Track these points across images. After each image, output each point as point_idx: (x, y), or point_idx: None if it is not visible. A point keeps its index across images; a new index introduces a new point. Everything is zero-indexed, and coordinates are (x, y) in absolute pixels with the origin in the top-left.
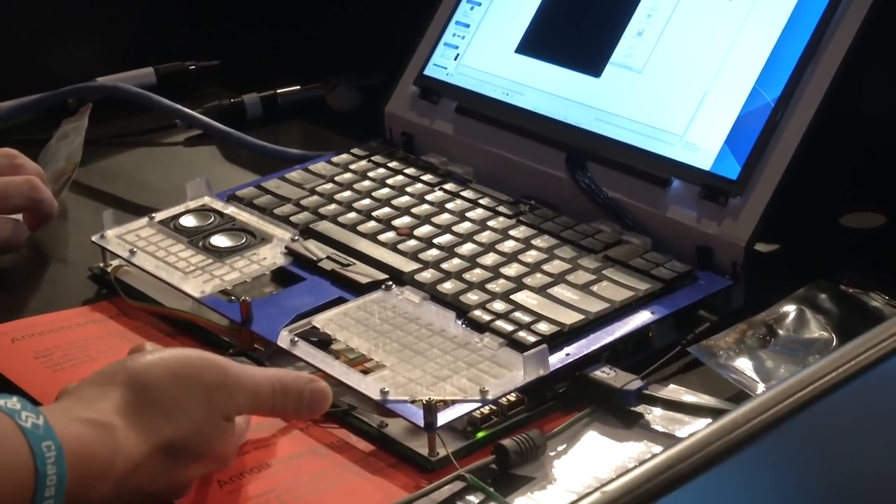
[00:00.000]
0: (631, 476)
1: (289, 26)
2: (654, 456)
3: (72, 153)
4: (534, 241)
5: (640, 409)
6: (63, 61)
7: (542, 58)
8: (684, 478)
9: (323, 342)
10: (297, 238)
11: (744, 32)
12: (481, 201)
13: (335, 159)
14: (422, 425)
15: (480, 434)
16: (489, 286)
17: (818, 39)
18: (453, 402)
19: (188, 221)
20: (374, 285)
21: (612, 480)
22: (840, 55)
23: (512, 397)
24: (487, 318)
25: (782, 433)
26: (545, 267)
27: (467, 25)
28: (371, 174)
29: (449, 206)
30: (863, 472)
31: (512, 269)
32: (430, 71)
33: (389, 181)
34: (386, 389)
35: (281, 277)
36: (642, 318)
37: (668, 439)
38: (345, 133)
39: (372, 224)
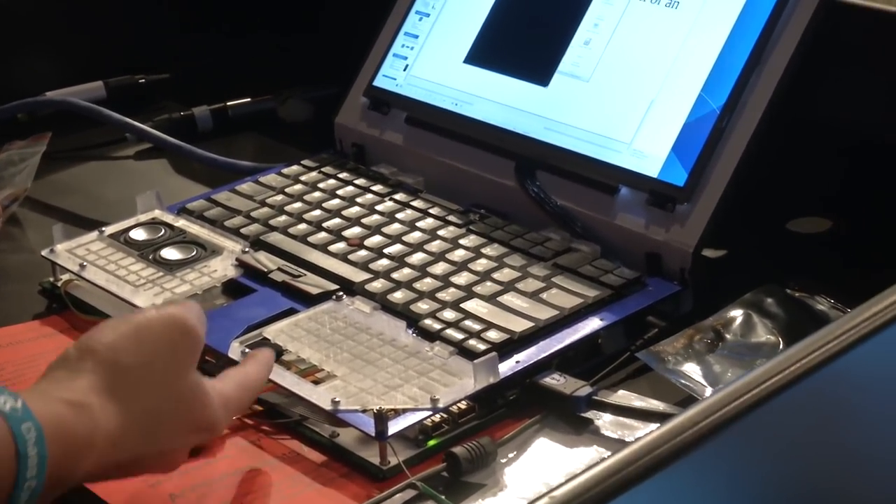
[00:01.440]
0: (579, 481)
1: (240, 39)
2: (602, 460)
3: (25, 178)
4: (484, 250)
5: (590, 414)
6: (12, 76)
7: (491, 68)
8: (632, 482)
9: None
10: (247, 250)
11: (689, 41)
12: (431, 211)
13: (286, 171)
14: (373, 434)
15: (432, 442)
16: (439, 295)
17: (762, 47)
18: (404, 410)
19: (138, 235)
20: (324, 296)
21: (560, 485)
22: (784, 62)
23: (463, 405)
24: (438, 326)
25: (729, 436)
26: (495, 275)
27: (416, 36)
28: (321, 185)
29: (399, 215)
30: (809, 473)
31: (462, 278)
32: (379, 82)
33: (340, 192)
34: (337, 399)
35: (232, 289)
36: (592, 324)
37: (618, 445)
38: (296, 145)
39: (322, 235)
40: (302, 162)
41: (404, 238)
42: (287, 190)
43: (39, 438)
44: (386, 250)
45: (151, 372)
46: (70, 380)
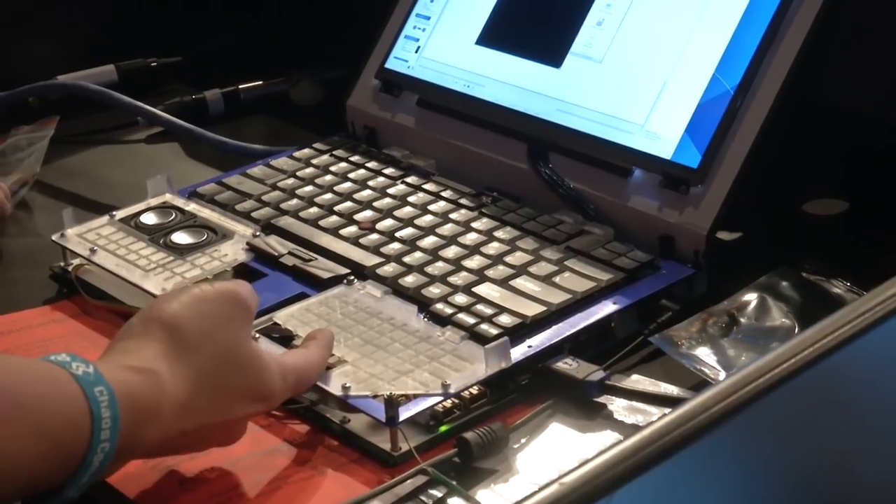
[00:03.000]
0: (589, 467)
1: (251, 21)
2: (612, 446)
3: (33, 162)
4: (496, 233)
5: (602, 399)
6: (23, 59)
7: (503, 49)
8: (643, 467)
9: (284, 338)
10: (258, 234)
11: (703, 20)
12: (443, 194)
13: (297, 154)
14: (384, 420)
15: (443, 428)
16: (451, 279)
17: (776, 27)
18: (415, 396)
19: (149, 219)
20: (335, 280)
21: (570, 471)
22: (798, 42)
23: (474, 390)
24: (449, 311)
25: (742, 421)
26: (507, 259)
27: (427, 18)
28: (333, 168)
29: (411, 199)
30: (823, 458)
31: (474, 262)
32: (391, 64)
33: (351, 175)
34: (347, 385)
35: (242, 274)
36: (604, 308)
37: (631, 430)
38: (308, 128)
39: (334, 218)
40: (313, 145)
41: (416, 221)
42: (298, 173)
43: (112, 401)
44: (397, 234)
45: (212, 339)
46: (136, 349)
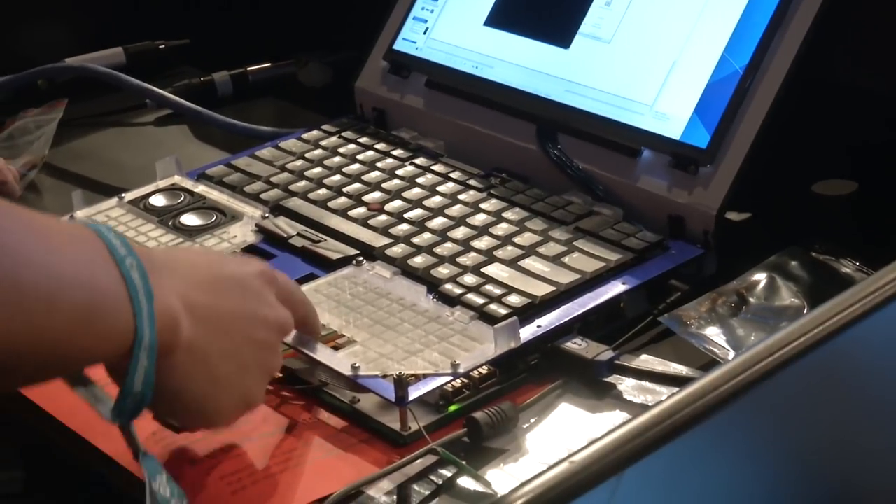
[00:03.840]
0: (598, 446)
1: (259, 3)
2: (621, 425)
3: (42, 145)
4: (505, 214)
5: (612, 379)
6: (32, 42)
7: (511, 30)
8: (652, 446)
9: None
10: (267, 215)
11: (711, 0)
12: (452, 175)
13: (306, 136)
14: (393, 400)
15: (452, 407)
16: (460, 259)
17: (786, 6)
18: (425, 376)
19: (158, 201)
20: (344, 261)
21: (580, 450)
22: (808, 21)
23: (483, 370)
24: (458, 291)
25: (751, 400)
26: (516, 239)
27: None
28: (342, 150)
29: (420, 180)
30: (832, 438)
31: (483, 242)
32: (399, 45)
33: (360, 157)
34: (357, 365)
35: (252, 255)
36: (614, 288)
37: (640, 409)
38: (317, 110)
39: (343, 200)
40: (322, 127)
41: (425, 202)
42: (307, 155)
43: (108, 229)
44: (406, 215)
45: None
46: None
